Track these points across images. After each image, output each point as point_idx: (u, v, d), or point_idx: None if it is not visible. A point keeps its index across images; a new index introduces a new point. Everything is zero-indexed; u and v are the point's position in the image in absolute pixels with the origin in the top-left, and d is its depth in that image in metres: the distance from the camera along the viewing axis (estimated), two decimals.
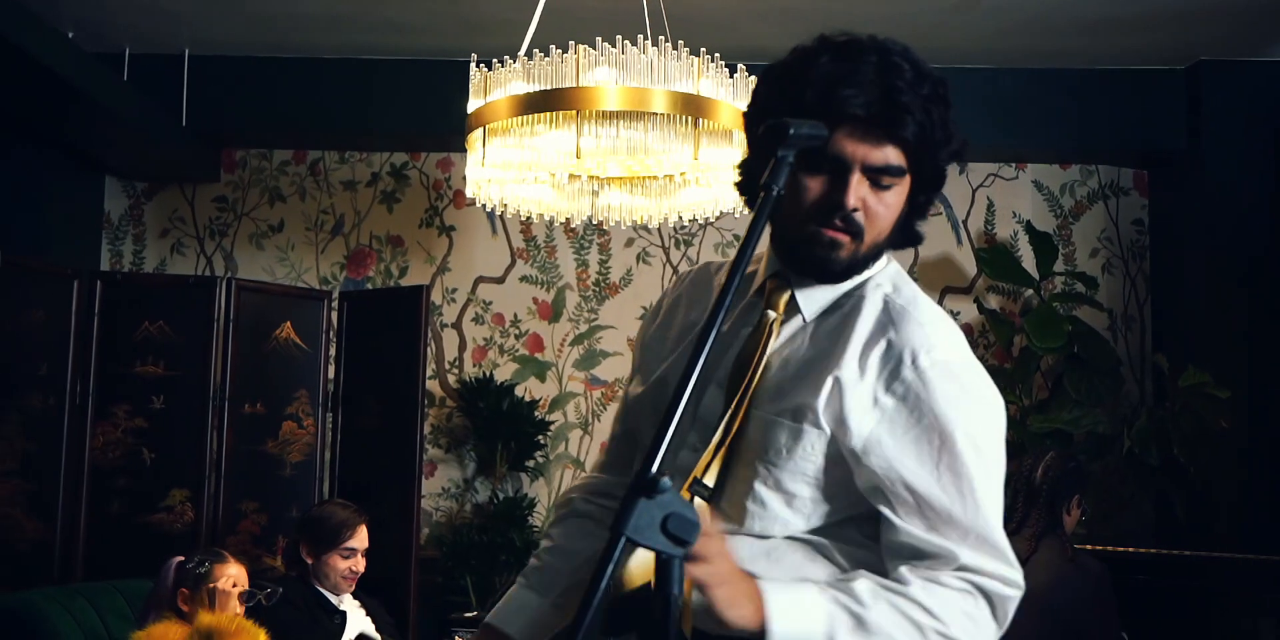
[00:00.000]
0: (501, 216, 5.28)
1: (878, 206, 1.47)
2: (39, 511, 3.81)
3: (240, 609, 3.00)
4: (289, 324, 4.31)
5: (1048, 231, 5.19)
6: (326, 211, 5.38)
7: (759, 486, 1.46)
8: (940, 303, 5.29)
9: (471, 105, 3.43)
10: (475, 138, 3.40)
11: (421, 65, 5.00)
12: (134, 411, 4.01)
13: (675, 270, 5.35)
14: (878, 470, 1.44)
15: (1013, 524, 3.21)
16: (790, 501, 1.46)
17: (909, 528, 1.43)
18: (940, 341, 1.49)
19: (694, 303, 1.65)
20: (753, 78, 3.46)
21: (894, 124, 1.43)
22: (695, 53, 3.31)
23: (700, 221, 5.32)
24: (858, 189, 1.45)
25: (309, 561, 3.39)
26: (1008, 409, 4.91)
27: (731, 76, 3.38)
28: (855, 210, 1.45)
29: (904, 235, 1.56)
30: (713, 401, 1.50)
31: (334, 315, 4.59)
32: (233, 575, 3.02)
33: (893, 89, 1.42)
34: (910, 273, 5.28)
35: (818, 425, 1.45)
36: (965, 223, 5.38)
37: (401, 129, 5.12)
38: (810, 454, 1.45)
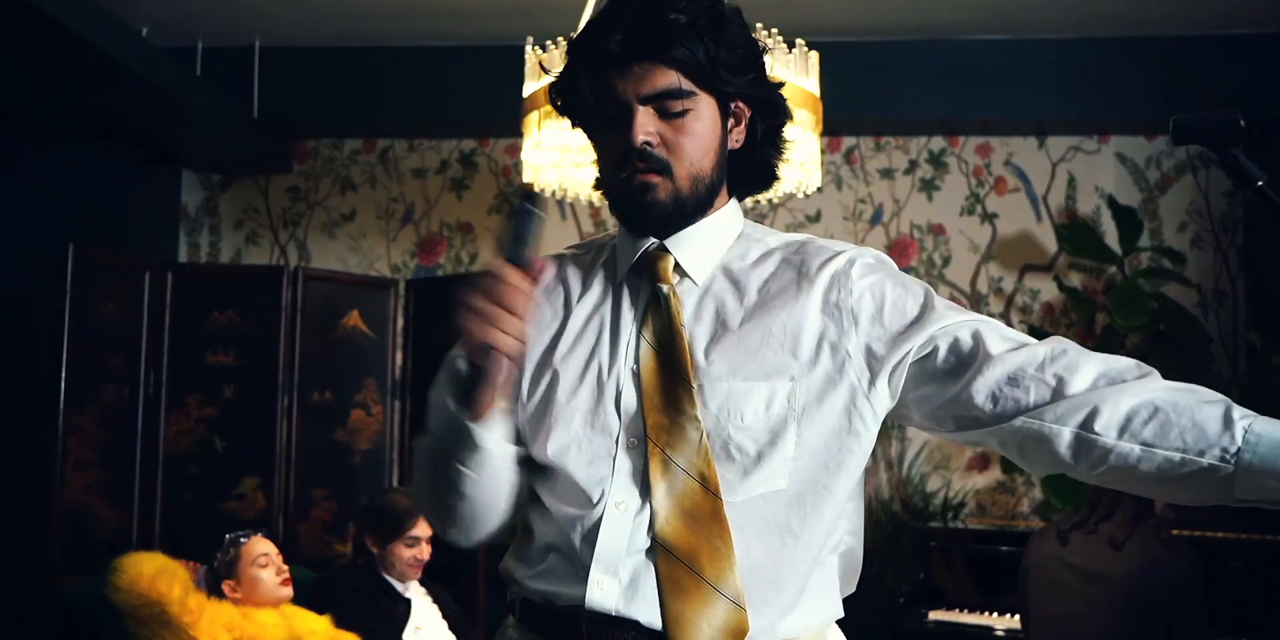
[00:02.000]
0: (572, 202, 5.26)
1: (676, 136, 1.39)
2: (116, 500, 3.89)
3: (277, 580, 3.04)
4: (356, 312, 4.34)
5: (1131, 206, 5.00)
6: (397, 200, 5.41)
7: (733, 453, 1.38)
8: (1019, 281, 5.16)
9: (527, 88, 3.39)
10: (531, 121, 3.36)
11: (487, 51, 4.98)
12: (206, 401, 4.06)
13: None
14: (919, 360, 1.39)
15: (1103, 509, 3.10)
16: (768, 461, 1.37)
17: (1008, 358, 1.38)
18: (851, 249, 1.47)
19: (558, 295, 1.52)
20: (814, 53, 3.37)
21: (655, 46, 1.37)
22: (755, 30, 3.22)
23: (769, 203, 5.25)
24: (645, 124, 1.39)
25: (374, 551, 3.40)
26: None
27: (790, 51, 3.29)
28: (649, 145, 1.39)
29: (748, 169, 1.49)
30: (631, 393, 1.40)
31: (401, 303, 4.60)
32: (259, 555, 3.04)
33: (649, 15, 1.37)
34: (988, 250, 5.18)
35: (793, 379, 1.37)
36: (1045, 198, 5.21)
37: (469, 116, 5.11)
38: (788, 410, 1.37)
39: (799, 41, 3.33)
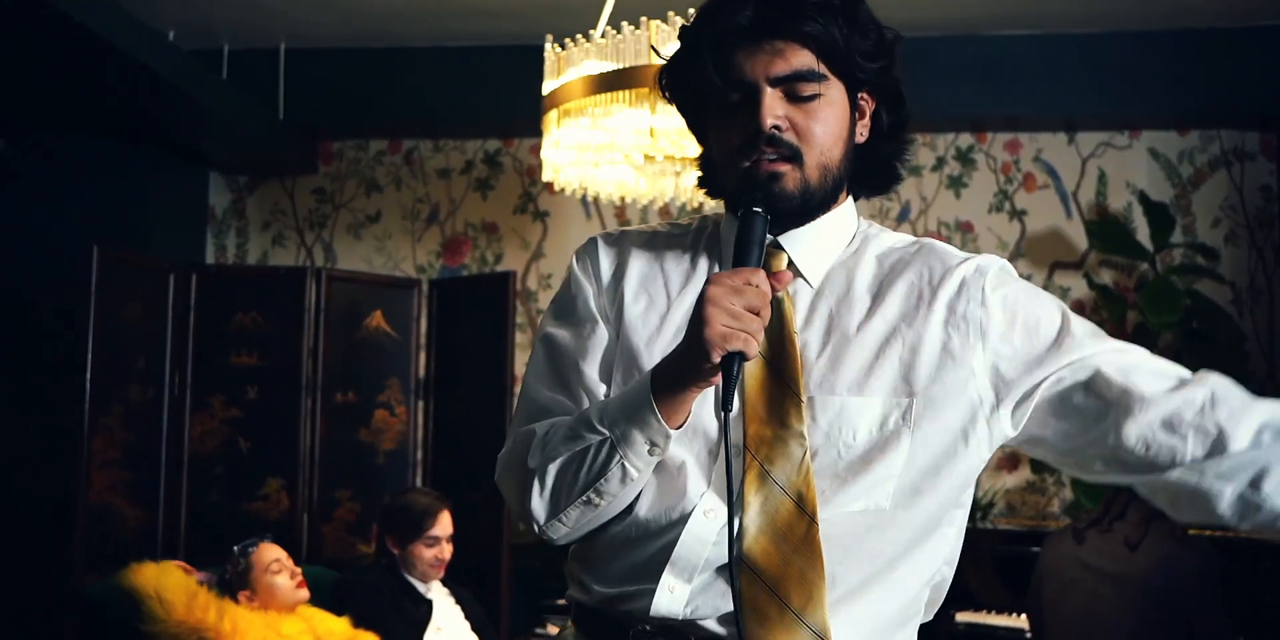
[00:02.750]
0: (595, 201, 5.24)
1: (806, 121, 1.31)
2: (140, 500, 3.91)
3: (292, 584, 3.03)
4: (379, 313, 4.34)
5: (1163, 202, 4.93)
6: (422, 200, 5.41)
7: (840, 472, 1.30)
8: (1049, 278, 5.10)
9: (546, 86, 3.38)
10: (550, 119, 3.35)
11: (511, 51, 4.97)
12: (230, 402, 4.08)
13: None
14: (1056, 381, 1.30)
15: (1117, 508, 3.06)
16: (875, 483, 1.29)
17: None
18: (977, 257, 1.38)
19: (656, 280, 1.41)
20: None
21: (790, 22, 1.29)
22: None
23: None
24: (774, 107, 1.30)
25: (395, 552, 3.40)
26: None
27: None
28: (778, 129, 1.30)
29: (870, 166, 1.40)
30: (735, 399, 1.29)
31: (425, 303, 4.60)
32: (271, 562, 3.04)
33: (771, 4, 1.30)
34: (1017, 247, 5.12)
35: (911, 395, 1.29)
36: (1075, 195, 5.14)
37: (493, 116, 5.11)
38: (902, 426, 1.28)
39: None
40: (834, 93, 1.33)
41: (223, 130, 4.94)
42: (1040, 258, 5.12)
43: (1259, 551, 3.73)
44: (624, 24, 3.21)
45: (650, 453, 1.27)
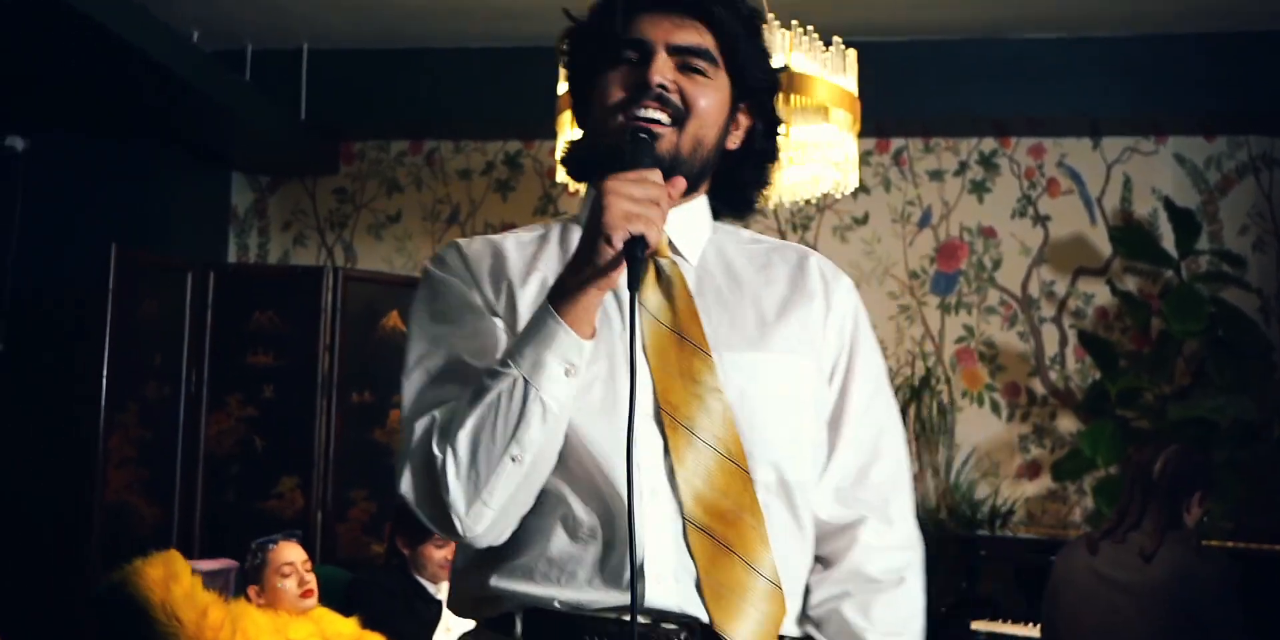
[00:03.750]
0: None
1: (694, 91, 1.33)
2: (156, 498, 3.93)
3: (297, 591, 3.01)
4: (396, 313, 4.34)
5: (1189, 208, 4.86)
6: (443, 201, 5.42)
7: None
8: (1072, 285, 5.05)
9: (561, 87, 3.37)
10: (564, 120, 3.34)
11: (532, 52, 4.95)
12: (246, 400, 4.09)
13: None
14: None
15: (1130, 518, 3.01)
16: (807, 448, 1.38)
17: None
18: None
19: (535, 274, 1.38)
20: (851, 51, 3.32)
21: (699, 2, 1.33)
22: (789, 27, 3.17)
23: (815, 205, 5.19)
24: (665, 69, 1.32)
25: (405, 552, 3.39)
26: (1143, 396, 4.63)
27: (827, 49, 3.24)
28: (665, 89, 1.31)
29: (730, 181, 1.41)
30: (642, 368, 1.29)
31: None
32: (283, 564, 3.02)
33: None
34: (1040, 253, 5.07)
35: (806, 356, 1.37)
36: (1099, 200, 5.09)
37: (514, 117, 5.10)
38: (804, 387, 1.37)
39: (836, 39, 3.27)
40: (720, 82, 1.36)
41: (245, 131, 4.97)
42: (1063, 264, 5.07)
43: (1276, 562, 3.67)
44: None
45: (567, 374, 1.22)
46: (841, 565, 1.37)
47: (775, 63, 1.43)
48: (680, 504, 1.26)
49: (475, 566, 1.32)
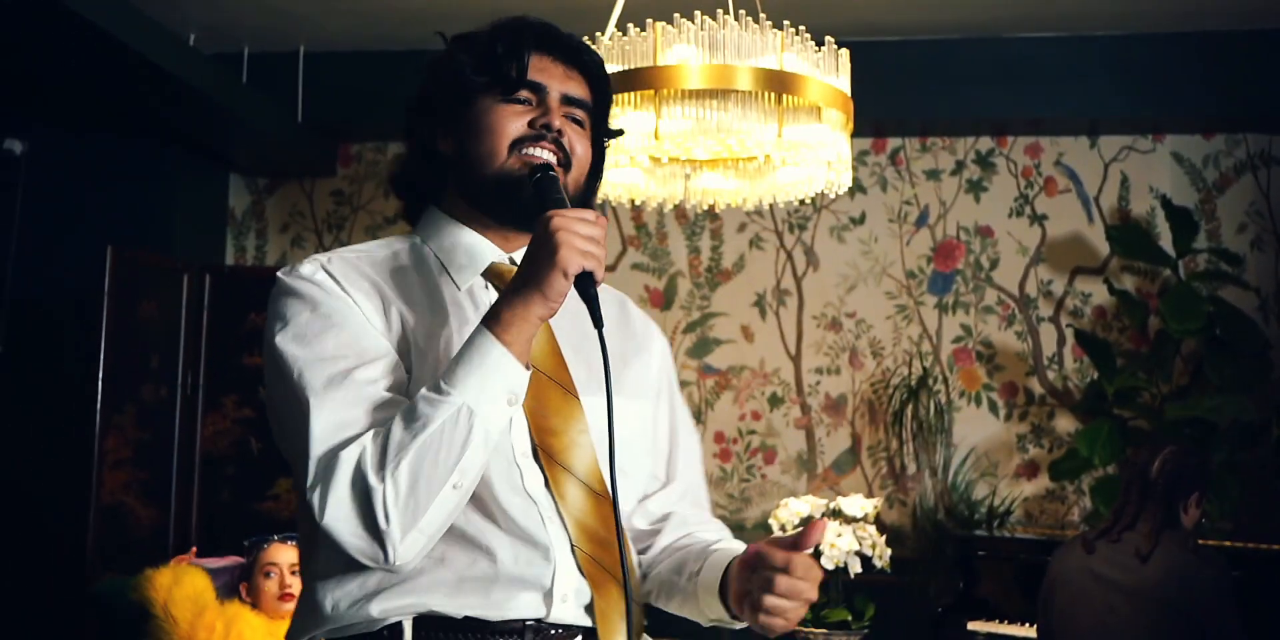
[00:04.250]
0: (613, 205, 5.23)
1: (576, 141, 1.43)
2: (153, 499, 3.93)
3: (275, 593, 3.01)
4: None
5: (1187, 206, 4.86)
6: None
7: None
8: (1070, 284, 5.04)
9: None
10: None
11: None
12: (242, 402, 4.10)
13: (789, 255, 5.21)
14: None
15: (1126, 518, 3.01)
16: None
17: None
18: None
19: (400, 291, 1.41)
20: (844, 50, 3.31)
21: (584, 57, 1.45)
22: (780, 27, 3.17)
23: (812, 205, 5.18)
24: (559, 114, 1.42)
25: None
26: (1141, 395, 4.61)
27: (819, 49, 3.23)
28: (561, 134, 1.40)
29: None
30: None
31: None
32: (266, 564, 3.02)
33: (571, 36, 1.47)
34: (1037, 252, 5.07)
35: (649, 400, 1.52)
36: (1097, 199, 5.08)
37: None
38: (648, 427, 1.52)
39: (828, 39, 3.27)
40: (587, 133, 1.46)
41: (242, 133, 4.97)
42: (1061, 263, 5.07)
43: (1273, 562, 3.66)
44: (630, 26, 3.20)
45: (509, 404, 1.27)
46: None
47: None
48: (569, 533, 1.35)
49: (365, 590, 1.32)
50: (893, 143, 5.20)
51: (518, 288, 1.27)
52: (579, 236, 1.24)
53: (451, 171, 1.44)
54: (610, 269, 5.28)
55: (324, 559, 1.33)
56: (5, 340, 4.60)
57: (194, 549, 3.20)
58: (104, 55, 4.02)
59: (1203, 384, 4.60)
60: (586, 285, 1.26)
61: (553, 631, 1.35)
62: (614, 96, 3.09)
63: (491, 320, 1.27)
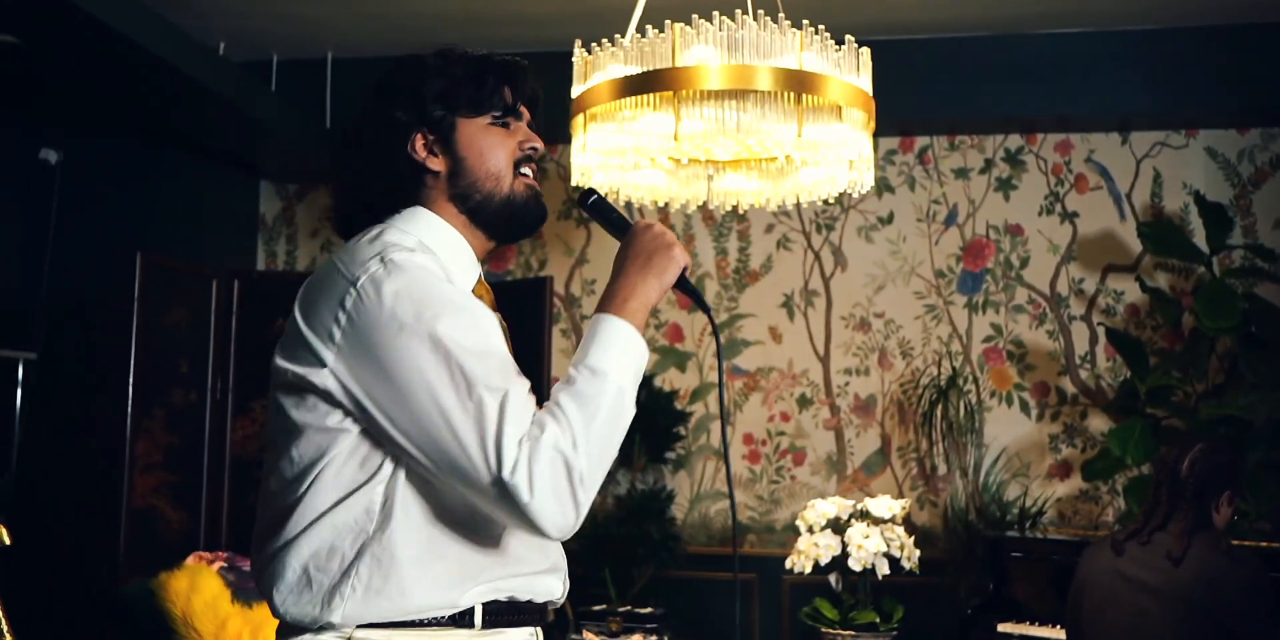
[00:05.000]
0: (640, 208, 5.24)
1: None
2: (183, 502, 3.97)
3: None
4: None
5: (1220, 202, 4.79)
6: None
7: None
8: (1102, 282, 4.98)
9: (575, 90, 3.38)
10: (578, 123, 3.35)
11: (554, 57, 4.93)
12: None
13: (817, 256, 5.18)
14: None
15: (1157, 519, 2.96)
16: None
17: None
18: None
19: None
20: (864, 49, 3.30)
21: (535, 98, 1.65)
22: (799, 27, 3.16)
23: (840, 205, 5.16)
24: (536, 134, 1.64)
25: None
26: (1175, 394, 4.51)
27: (840, 48, 3.21)
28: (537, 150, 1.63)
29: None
30: None
31: None
32: None
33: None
34: (1068, 251, 5.02)
35: None
36: (1129, 196, 5.02)
37: (537, 122, 5.11)
38: None
39: (849, 38, 3.25)
40: None
41: (272, 140, 5.02)
42: (1093, 261, 5.01)
43: None
44: (649, 28, 3.20)
45: (639, 380, 1.48)
46: None
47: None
48: None
49: (451, 578, 1.44)
50: (920, 142, 5.17)
51: (639, 281, 1.50)
52: (675, 241, 1.54)
53: (445, 185, 1.57)
54: None
55: (417, 546, 1.41)
56: (41, 345, 4.66)
57: (221, 554, 3.22)
58: (136, 66, 4.07)
59: (1238, 382, 4.53)
60: (686, 279, 1.56)
61: (555, 608, 1.56)
62: (634, 98, 3.13)
63: (621, 308, 1.48)
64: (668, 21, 3.16)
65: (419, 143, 1.56)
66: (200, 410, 4.04)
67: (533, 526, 1.34)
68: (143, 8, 4.00)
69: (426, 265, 1.43)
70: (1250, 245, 4.80)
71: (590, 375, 1.40)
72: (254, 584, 1.54)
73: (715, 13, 3.13)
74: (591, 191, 1.66)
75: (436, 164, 1.56)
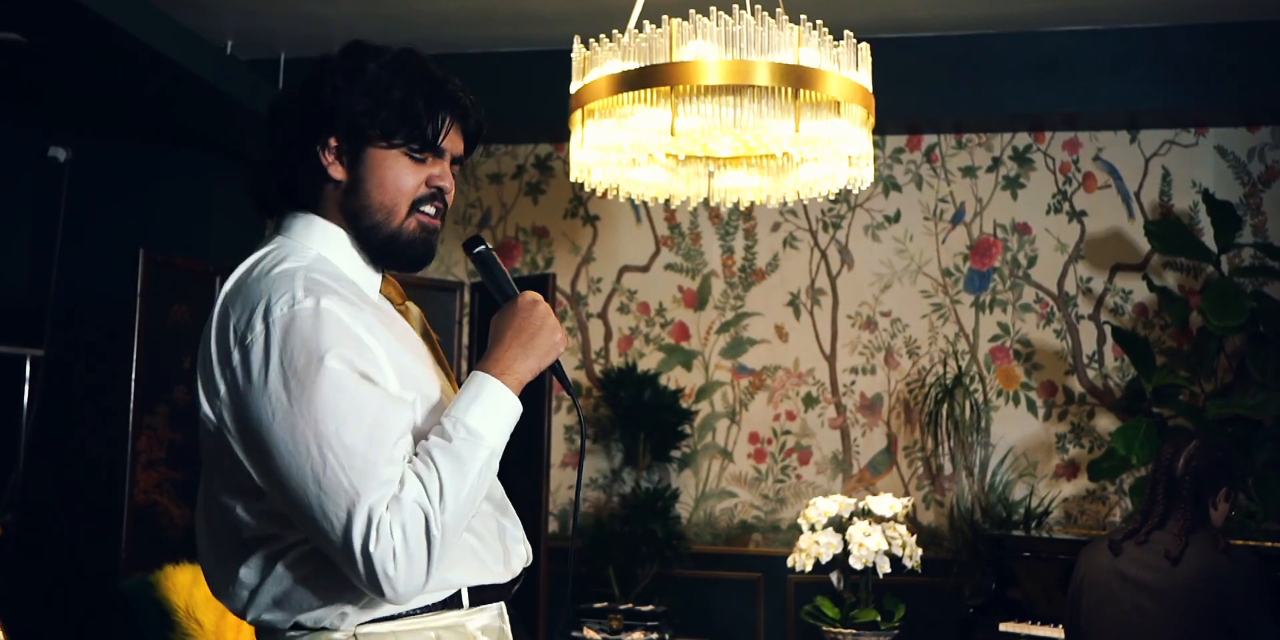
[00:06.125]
0: (645, 205, 5.23)
1: (450, 190, 1.60)
2: (186, 498, 3.98)
3: None
4: (422, 313, 4.36)
5: (1230, 201, 4.75)
6: (474, 205, 5.45)
7: None
8: (1110, 281, 4.94)
9: (573, 86, 3.38)
10: (576, 119, 3.35)
11: (562, 55, 4.93)
12: None
13: (823, 254, 5.17)
14: None
15: (1154, 518, 2.94)
16: None
17: None
18: None
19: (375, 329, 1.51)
20: (864, 45, 3.28)
21: (479, 125, 1.60)
22: (797, 22, 3.15)
23: (848, 203, 5.14)
24: (449, 174, 1.59)
25: None
26: (1182, 393, 4.47)
27: (839, 44, 3.20)
28: (446, 191, 1.58)
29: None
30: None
31: (466, 306, 4.63)
32: None
33: (475, 102, 1.60)
34: (1076, 249, 4.99)
35: None
36: (1138, 195, 4.99)
37: (544, 120, 5.11)
38: None
39: (847, 33, 3.24)
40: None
41: None
42: (1101, 260, 4.98)
43: None
44: (646, 23, 3.20)
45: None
46: None
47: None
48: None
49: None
50: (928, 140, 5.15)
51: (520, 356, 1.51)
52: (558, 325, 1.55)
53: (341, 196, 1.54)
54: (644, 269, 5.28)
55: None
56: (51, 344, 4.69)
57: None
58: (144, 65, 4.10)
59: (1246, 381, 4.49)
60: (559, 365, 1.59)
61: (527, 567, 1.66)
62: (631, 93, 3.12)
63: (503, 374, 1.48)
64: (665, 17, 3.16)
65: (329, 147, 1.53)
66: None
67: (383, 591, 1.35)
68: (150, 7, 4.02)
69: (302, 322, 1.39)
70: (1259, 244, 4.76)
71: (467, 435, 1.41)
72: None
73: (713, 8, 3.13)
74: (479, 241, 1.62)
75: (338, 173, 1.53)
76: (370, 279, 1.57)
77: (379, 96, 1.51)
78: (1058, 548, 3.99)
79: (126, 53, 3.96)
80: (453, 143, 1.57)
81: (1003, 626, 3.84)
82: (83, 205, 4.93)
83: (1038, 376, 4.97)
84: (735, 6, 3.16)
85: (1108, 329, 4.90)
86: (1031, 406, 4.96)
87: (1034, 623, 3.84)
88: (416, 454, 1.41)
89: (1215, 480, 2.91)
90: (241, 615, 1.48)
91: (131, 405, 3.76)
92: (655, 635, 4.22)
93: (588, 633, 4.06)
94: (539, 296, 1.57)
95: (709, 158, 3.58)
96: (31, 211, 5.06)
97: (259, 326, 1.39)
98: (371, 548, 1.32)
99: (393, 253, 1.55)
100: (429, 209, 1.55)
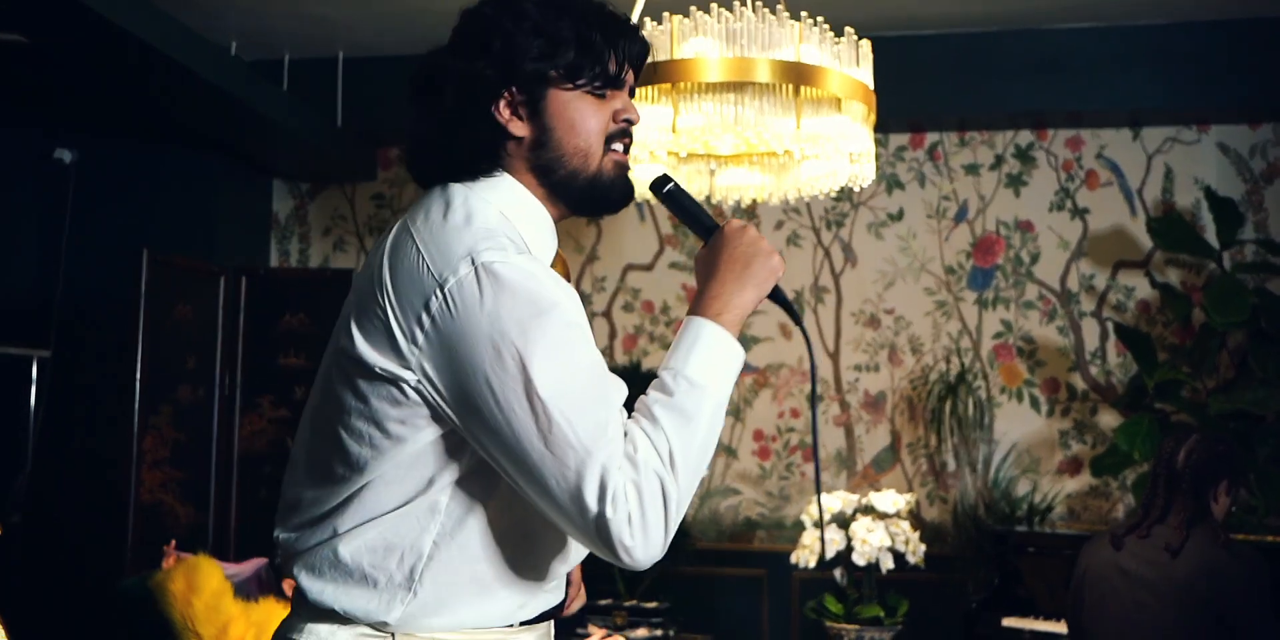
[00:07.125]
0: (649, 203, 5.24)
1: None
2: (191, 498, 4.00)
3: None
4: None
5: (1232, 198, 4.75)
6: None
7: None
8: (1112, 278, 4.95)
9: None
10: None
11: None
12: (278, 402, 4.16)
13: (827, 252, 5.18)
14: None
15: (1155, 512, 2.94)
16: None
17: None
18: None
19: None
20: (865, 41, 3.29)
21: (642, 60, 1.49)
22: (798, 18, 3.15)
23: (849, 201, 5.15)
24: (633, 106, 1.49)
25: None
26: (1184, 389, 4.47)
27: (839, 41, 3.21)
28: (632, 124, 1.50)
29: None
30: None
31: None
32: None
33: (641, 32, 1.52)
34: (1079, 247, 4.99)
35: None
36: (1140, 192, 4.99)
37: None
38: None
39: (848, 30, 3.24)
40: None
41: (284, 139, 5.05)
42: (1103, 257, 4.98)
43: None
44: (647, 20, 3.21)
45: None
46: None
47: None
48: None
49: (509, 581, 1.42)
50: (931, 138, 5.15)
51: (736, 290, 1.40)
52: (774, 249, 1.45)
53: (527, 154, 1.43)
54: (648, 268, 5.29)
55: (483, 563, 1.38)
56: (56, 344, 4.71)
57: (173, 542, 3.18)
58: (149, 67, 4.11)
59: (1248, 377, 4.49)
60: (780, 290, 1.46)
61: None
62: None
63: (718, 317, 1.38)
64: (665, 13, 3.17)
65: (504, 104, 1.41)
66: (208, 406, 4.07)
67: (621, 559, 1.27)
68: (153, 7, 4.04)
69: (519, 274, 1.30)
70: (1261, 240, 4.76)
71: (689, 388, 1.31)
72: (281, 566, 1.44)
73: (714, 5, 3.14)
74: (667, 179, 1.50)
75: (520, 129, 1.42)
76: (548, 248, 1.46)
77: (553, 36, 1.40)
78: (1061, 543, 4.00)
79: (129, 54, 3.97)
80: (627, 72, 1.47)
81: (1006, 622, 3.85)
82: (88, 207, 4.95)
83: (1040, 373, 4.98)
84: (736, 3, 3.17)
85: (1110, 325, 4.90)
86: (1034, 403, 4.96)
87: (1037, 618, 3.85)
88: (636, 411, 1.32)
89: (1216, 473, 2.92)
90: (306, 596, 1.40)
91: (136, 405, 3.78)
92: (660, 632, 4.23)
93: (592, 629, 4.06)
94: (745, 223, 1.45)
95: (710, 155, 3.59)
96: (37, 213, 5.08)
97: (468, 275, 1.29)
98: (609, 513, 1.24)
99: (594, 198, 1.44)
100: (619, 146, 1.45)
